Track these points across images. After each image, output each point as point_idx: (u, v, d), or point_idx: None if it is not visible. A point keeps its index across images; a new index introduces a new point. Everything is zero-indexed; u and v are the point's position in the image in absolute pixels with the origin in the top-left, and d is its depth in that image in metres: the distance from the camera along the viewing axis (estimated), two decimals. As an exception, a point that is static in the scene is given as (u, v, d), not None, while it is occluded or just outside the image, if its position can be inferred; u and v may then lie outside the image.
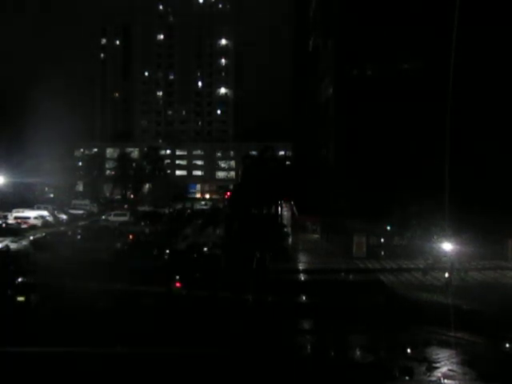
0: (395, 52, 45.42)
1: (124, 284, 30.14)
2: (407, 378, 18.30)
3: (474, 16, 40.95)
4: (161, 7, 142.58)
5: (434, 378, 18.16)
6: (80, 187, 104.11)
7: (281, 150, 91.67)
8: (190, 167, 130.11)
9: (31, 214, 60.93)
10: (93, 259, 36.57)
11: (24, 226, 56.16)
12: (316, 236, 57.50)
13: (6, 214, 59.00)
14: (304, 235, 55.46)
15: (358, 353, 21.78)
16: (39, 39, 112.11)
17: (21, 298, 27.30)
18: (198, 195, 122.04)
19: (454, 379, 18.15)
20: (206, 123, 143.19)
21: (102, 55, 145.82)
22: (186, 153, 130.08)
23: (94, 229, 56.71)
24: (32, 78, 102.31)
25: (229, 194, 71.12)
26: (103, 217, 67.66)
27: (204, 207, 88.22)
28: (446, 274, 30.39)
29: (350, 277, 36.22)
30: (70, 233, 51.93)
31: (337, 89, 47.35)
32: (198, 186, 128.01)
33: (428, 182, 37.41)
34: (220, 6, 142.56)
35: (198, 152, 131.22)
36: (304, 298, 30.32)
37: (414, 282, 33.26)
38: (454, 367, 19.11)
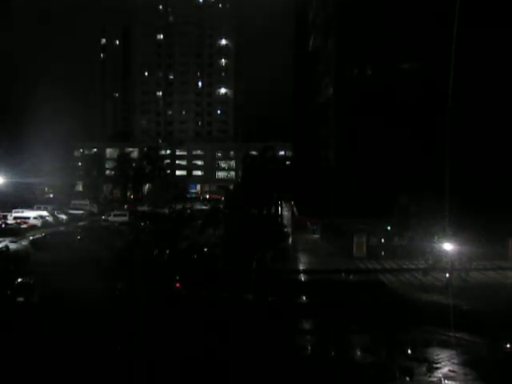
0: (395, 52, 45.41)
1: (124, 284, 30.12)
2: (407, 378, 18.26)
3: (475, 16, 40.92)
4: (161, 7, 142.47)
5: (434, 379, 18.11)
6: (80, 187, 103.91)
7: (281, 150, 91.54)
8: (190, 167, 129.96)
9: (31, 214, 60.88)
10: (92, 259, 36.50)
11: (24, 226, 56.14)
12: (316, 236, 57.41)
13: (5, 214, 58.96)
14: (304, 235, 55.39)
15: (358, 353, 21.75)
16: (39, 39, 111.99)
17: (20, 299, 27.24)
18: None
19: (454, 380, 18.09)
20: (205, 123, 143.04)
21: (102, 55, 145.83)
22: (185, 153, 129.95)
23: (93, 229, 56.59)
24: (32, 78, 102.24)
25: (212, 195, 70.67)
26: (103, 217, 67.52)
27: (204, 207, 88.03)
28: (447, 275, 30.36)
29: (351, 277, 36.15)
30: (69, 233, 51.80)
31: (337, 89, 47.37)
32: (198, 186, 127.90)
33: (428, 181, 37.38)
34: (220, 5, 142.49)
35: (198, 152, 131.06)
36: (304, 298, 30.25)
37: (415, 282, 33.19)
38: (455, 368, 19.06)
